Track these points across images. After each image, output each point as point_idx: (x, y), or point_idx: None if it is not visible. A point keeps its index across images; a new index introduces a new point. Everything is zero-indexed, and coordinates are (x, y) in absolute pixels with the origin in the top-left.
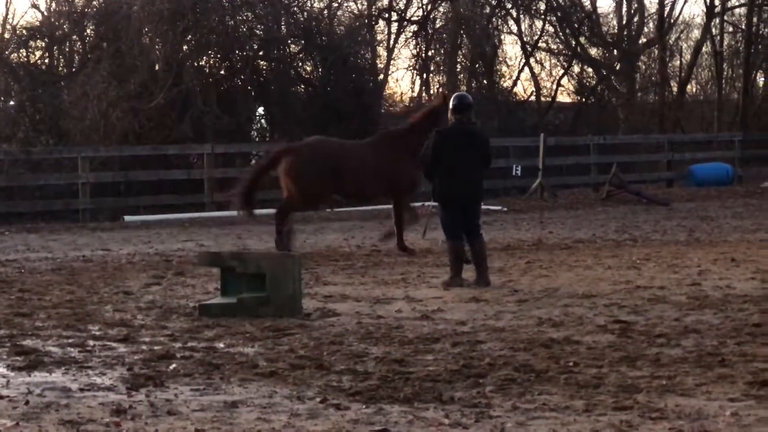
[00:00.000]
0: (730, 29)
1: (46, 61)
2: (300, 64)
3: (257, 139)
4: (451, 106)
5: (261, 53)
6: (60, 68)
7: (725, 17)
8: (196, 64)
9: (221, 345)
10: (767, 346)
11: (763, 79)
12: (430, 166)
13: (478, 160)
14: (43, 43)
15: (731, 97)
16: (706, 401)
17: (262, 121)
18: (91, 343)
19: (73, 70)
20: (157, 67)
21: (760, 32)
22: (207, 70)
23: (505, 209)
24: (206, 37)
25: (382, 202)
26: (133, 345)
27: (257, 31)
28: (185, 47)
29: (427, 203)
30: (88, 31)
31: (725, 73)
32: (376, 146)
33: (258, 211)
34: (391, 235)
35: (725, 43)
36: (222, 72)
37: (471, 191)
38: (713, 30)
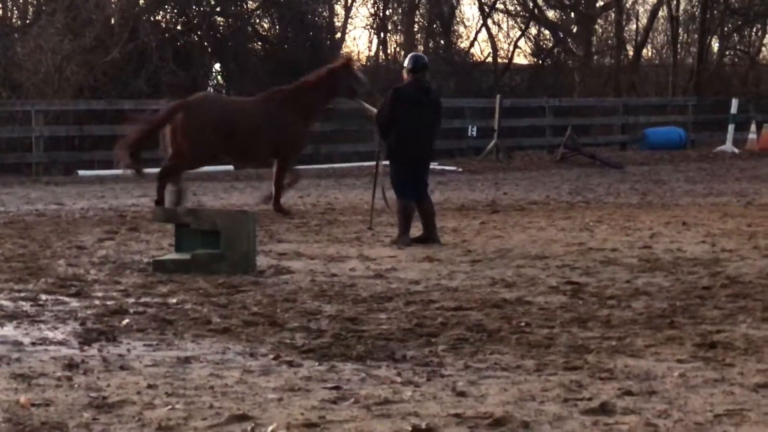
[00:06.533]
0: None
1: (0, 12)
2: (257, 20)
3: None
4: (407, 65)
5: (218, 9)
6: (14, 20)
7: None
8: (152, 18)
9: (174, 301)
10: (715, 309)
11: (717, 44)
12: (386, 124)
13: (432, 121)
14: None
15: (686, 61)
16: (654, 362)
17: (219, 77)
18: (44, 297)
19: (27, 22)
20: (113, 21)
21: None
22: (163, 25)
23: (460, 170)
24: None
25: (265, 164)
26: (85, 300)
27: None
28: (141, 2)
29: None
30: None
31: (680, 37)
32: (266, 105)
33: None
34: (268, 198)
35: (681, 7)
36: (179, 27)
37: (424, 151)
38: None
